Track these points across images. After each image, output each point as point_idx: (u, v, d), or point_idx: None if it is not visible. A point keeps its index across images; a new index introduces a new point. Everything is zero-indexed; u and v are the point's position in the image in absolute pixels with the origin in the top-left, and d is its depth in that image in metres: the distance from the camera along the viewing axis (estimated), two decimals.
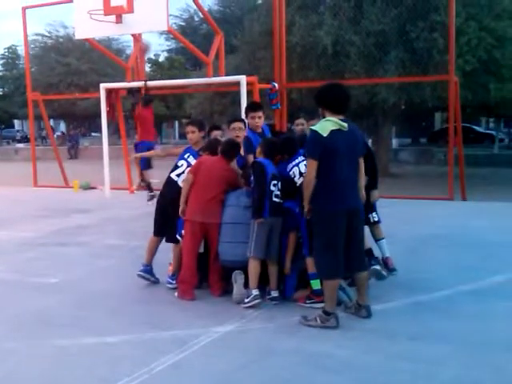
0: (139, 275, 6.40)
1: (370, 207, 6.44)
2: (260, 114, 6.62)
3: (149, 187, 11.33)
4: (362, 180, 5.18)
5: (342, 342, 4.67)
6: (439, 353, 4.43)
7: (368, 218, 6.41)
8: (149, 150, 10.68)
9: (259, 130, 6.59)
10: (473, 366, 4.20)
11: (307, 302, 5.55)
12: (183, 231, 5.96)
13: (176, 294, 5.92)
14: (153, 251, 6.47)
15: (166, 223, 6.31)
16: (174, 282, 6.18)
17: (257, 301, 5.50)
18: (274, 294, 5.69)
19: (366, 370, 4.16)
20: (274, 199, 5.62)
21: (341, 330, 4.91)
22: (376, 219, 6.49)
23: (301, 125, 6.91)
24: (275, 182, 5.64)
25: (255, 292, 5.51)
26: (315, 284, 5.48)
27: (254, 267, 5.56)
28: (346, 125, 4.87)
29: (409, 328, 4.95)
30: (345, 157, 4.88)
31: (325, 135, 4.78)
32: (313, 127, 4.94)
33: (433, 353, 4.43)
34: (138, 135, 11.57)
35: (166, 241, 6.39)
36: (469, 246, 8.04)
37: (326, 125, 4.85)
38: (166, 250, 6.39)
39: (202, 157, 6.10)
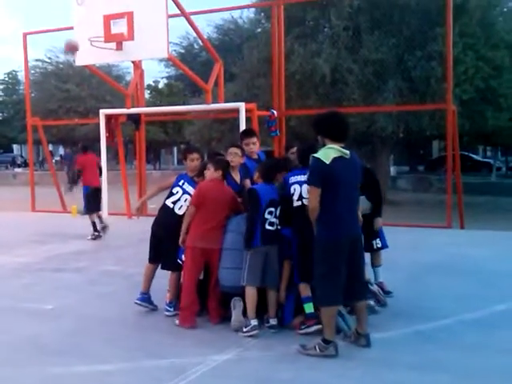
0: (136, 303, 6.35)
1: (374, 234, 6.48)
2: (254, 140, 6.66)
3: (94, 226, 11.70)
4: (359, 206, 5.20)
5: (341, 372, 4.61)
6: (439, 383, 4.37)
7: (371, 244, 6.48)
8: (88, 194, 11.47)
9: (254, 156, 6.62)
10: None
11: (301, 327, 5.49)
12: (183, 256, 5.91)
13: (177, 321, 5.83)
14: (149, 278, 6.41)
15: (162, 250, 6.27)
16: (172, 309, 6.14)
17: (255, 331, 5.43)
18: (273, 321, 5.63)
19: None
20: (268, 227, 5.56)
21: (340, 359, 4.86)
22: (379, 245, 6.59)
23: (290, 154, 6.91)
24: (272, 209, 5.59)
25: (254, 322, 5.45)
26: (308, 307, 5.46)
27: (250, 295, 5.51)
28: (348, 152, 4.88)
29: (409, 357, 4.89)
30: (347, 184, 4.88)
31: (327, 163, 4.77)
32: (315, 154, 4.91)
33: (432, 383, 4.37)
34: (82, 180, 11.86)
35: (162, 268, 6.34)
36: (468, 274, 8.00)
37: (329, 152, 4.83)
38: (166, 276, 6.34)
39: (201, 185, 5.94)
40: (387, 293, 6.59)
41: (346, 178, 4.86)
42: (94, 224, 11.67)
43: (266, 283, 5.61)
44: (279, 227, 5.65)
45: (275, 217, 5.61)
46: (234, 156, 6.28)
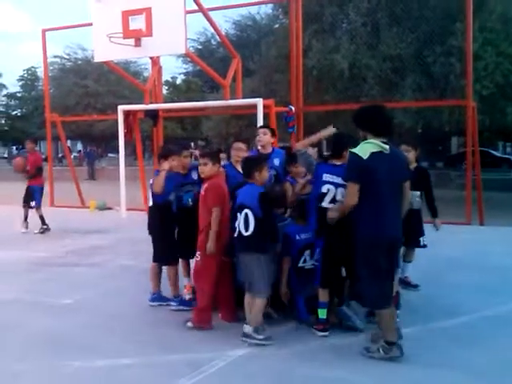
0: (150, 305, 6.44)
1: (421, 231, 6.79)
2: (263, 130, 6.84)
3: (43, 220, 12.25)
4: (406, 206, 4.96)
5: (359, 368, 4.60)
6: (456, 381, 4.34)
7: (418, 240, 6.77)
8: (40, 192, 12.18)
9: (265, 150, 6.69)
10: None
11: (313, 327, 5.45)
12: (197, 258, 5.72)
13: (189, 323, 5.64)
14: (154, 278, 6.51)
15: (156, 249, 6.44)
16: (177, 303, 6.25)
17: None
18: (246, 328, 5.26)
19: None
20: (235, 235, 5.30)
21: (357, 356, 4.83)
22: (426, 243, 6.85)
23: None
24: (237, 214, 5.25)
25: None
26: (321, 313, 5.40)
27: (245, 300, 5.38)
28: (387, 147, 4.67)
29: (428, 354, 4.86)
30: (386, 180, 4.64)
31: (364, 158, 4.57)
32: (352, 149, 4.72)
33: (449, 381, 4.34)
34: (38, 179, 12.31)
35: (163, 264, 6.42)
36: (488, 270, 7.92)
37: (366, 147, 4.65)
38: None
39: (219, 185, 5.68)
40: (414, 286, 6.84)
41: (385, 174, 4.61)
42: (42, 217, 12.18)
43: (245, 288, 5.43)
44: (246, 234, 5.18)
45: (245, 221, 5.21)
46: (238, 151, 6.33)
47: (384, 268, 4.65)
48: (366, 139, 4.78)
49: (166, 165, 6.25)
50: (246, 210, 5.15)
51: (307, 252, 5.74)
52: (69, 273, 8.26)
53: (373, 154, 4.61)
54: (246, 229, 5.14)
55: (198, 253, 5.68)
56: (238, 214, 5.23)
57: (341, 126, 22.43)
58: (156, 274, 6.50)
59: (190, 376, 4.45)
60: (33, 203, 12.26)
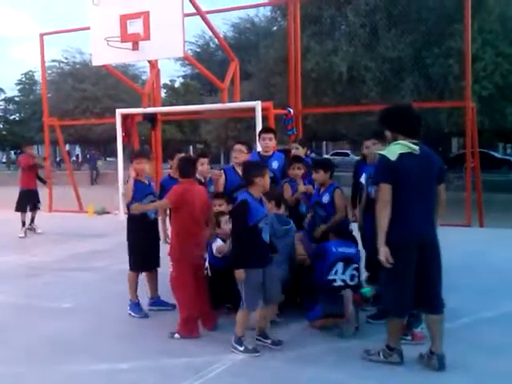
0: (149, 309, 6.40)
1: None
2: (270, 135, 6.82)
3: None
4: (442, 209, 4.78)
5: (361, 372, 4.58)
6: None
7: None
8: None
9: (269, 153, 6.75)
10: None
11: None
12: (171, 269, 5.59)
13: (176, 335, 5.44)
14: (152, 283, 6.48)
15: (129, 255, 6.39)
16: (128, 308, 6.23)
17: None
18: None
19: None
20: None
21: (359, 359, 4.80)
22: None
23: (295, 148, 7.10)
24: None
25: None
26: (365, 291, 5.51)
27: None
28: (417, 148, 4.53)
29: None
30: (416, 182, 4.49)
31: (393, 159, 4.45)
32: (381, 151, 4.62)
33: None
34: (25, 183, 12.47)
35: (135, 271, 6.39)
36: (488, 272, 7.91)
37: (395, 148, 4.52)
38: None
39: (181, 186, 5.53)
40: None
41: (415, 175, 4.48)
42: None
43: None
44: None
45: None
46: (238, 153, 6.34)
47: (402, 275, 4.50)
48: (395, 140, 4.64)
49: (132, 172, 6.04)
50: None
51: (340, 264, 5.60)
52: (68, 277, 8.24)
53: (402, 155, 4.47)
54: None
55: (170, 263, 5.58)
56: None
57: (340, 128, 22.45)
58: (150, 280, 6.47)
59: (189, 381, 4.42)
60: (40, 204, 12.58)
